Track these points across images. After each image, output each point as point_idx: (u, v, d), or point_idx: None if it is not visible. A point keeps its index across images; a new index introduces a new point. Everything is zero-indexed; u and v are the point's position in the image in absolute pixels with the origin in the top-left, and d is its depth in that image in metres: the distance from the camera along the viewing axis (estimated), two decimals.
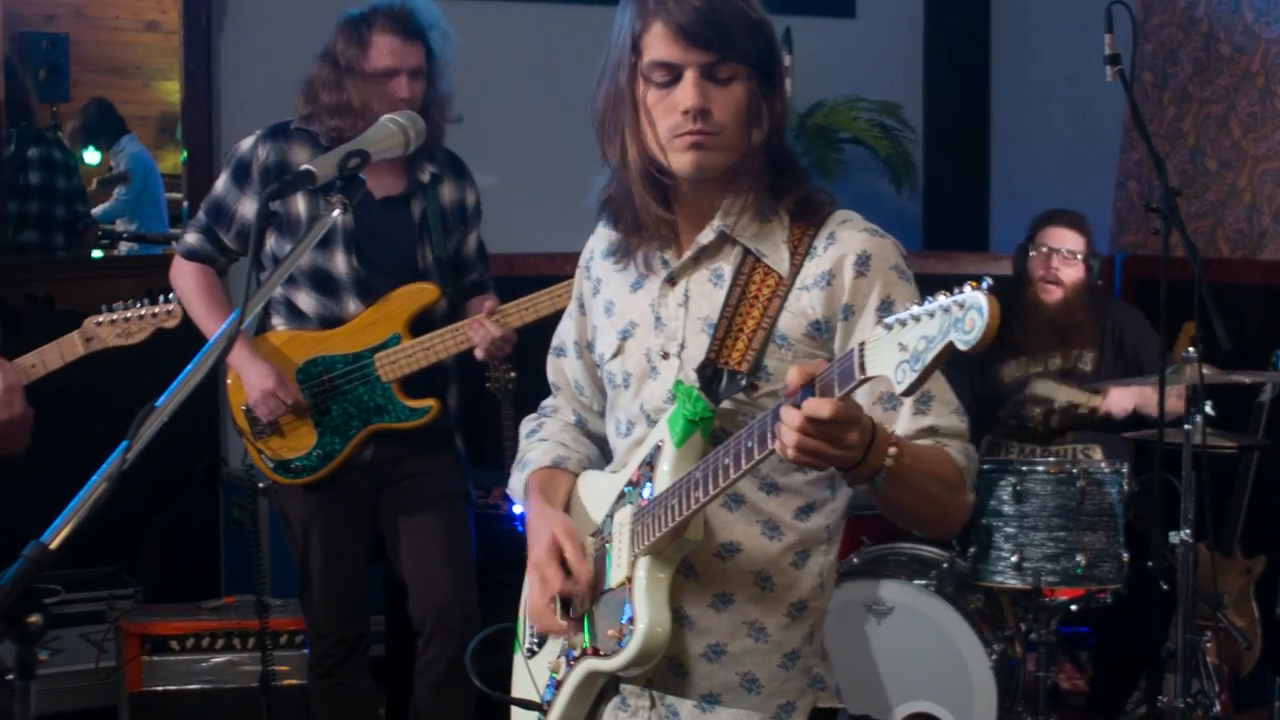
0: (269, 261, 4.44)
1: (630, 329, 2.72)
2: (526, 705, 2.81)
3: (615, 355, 2.74)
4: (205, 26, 6.42)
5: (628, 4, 2.57)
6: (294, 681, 5.13)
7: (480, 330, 4.43)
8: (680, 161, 2.54)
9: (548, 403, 3.03)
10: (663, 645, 2.53)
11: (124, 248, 7.76)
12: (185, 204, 6.75)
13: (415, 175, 4.53)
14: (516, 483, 2.91)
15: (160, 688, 5.17)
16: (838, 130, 7.11)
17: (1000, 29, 7.75)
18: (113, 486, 2.11)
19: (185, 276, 4.58)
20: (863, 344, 2.12)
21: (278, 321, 4.53)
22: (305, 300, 4.48)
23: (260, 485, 5.16)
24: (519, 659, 2.91)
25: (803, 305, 2.56)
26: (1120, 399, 5.40)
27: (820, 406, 2.17)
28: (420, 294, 4.50)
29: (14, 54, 6.69)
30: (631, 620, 2.53)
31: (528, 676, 2.85)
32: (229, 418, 4.71)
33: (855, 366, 2.13)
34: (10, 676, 1.99)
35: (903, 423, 2.54)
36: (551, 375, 3.01)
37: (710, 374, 2.57)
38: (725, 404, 2.55)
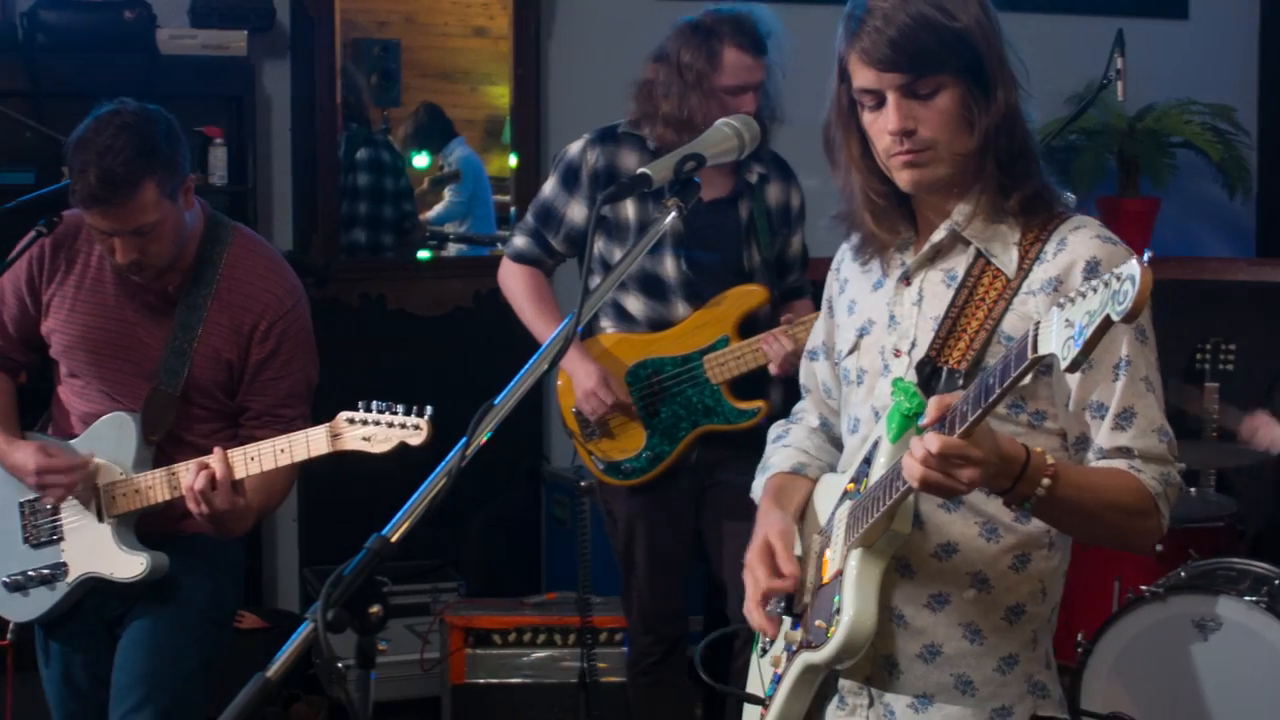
0: (597, 265, 4.48)
1: (868, 326, 2.71)
2: (753, 700, 2.82)
3: (851, 351, 2.74)
4: (534, 31, 6.52)
5: (839, 29, 2.57)
6: (613, 679, 5.17)
7: (774, 344, 4.41)
8: (900, 179, 2.56)
9: (797, 407, 3.04)
10: (868, 636, 2.50)
11: (451, 249, 7.93)
12: (513, 206, 6.86)
13: (743, 176, 4.53)
14: (757, 486, 2.93)
15: (482, 680, 5.27)
16: (1168, 134, 6.91)
17: None
18: (451, 482, 2.15)
19: (514, 278, 4.66)
20: (1037, 324, 2.11)
21: (606, 324, 4.57)
22: (634, 304, 4.52)
23: (583, 484, 5.22)
24: (754, 658, 2.91)
25: (1029, 309, 2.52)
26: None
27: (932, 441, 2.21)
28: (749, 295, 4.50)
29: (348, 60, 6.89)
30: (839, 611, 2.51)
31: (758, 673, 2.85)
32: (554, 416, 4.77)
33: (1028, 346, 2.11)
34: (343, 664, 2.03)
35: (1101, 436, 2.51)
36: (803, 378, 3.01)
37: (929, 371, 2.56)
38: None
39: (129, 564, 3.72)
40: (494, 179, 7.90)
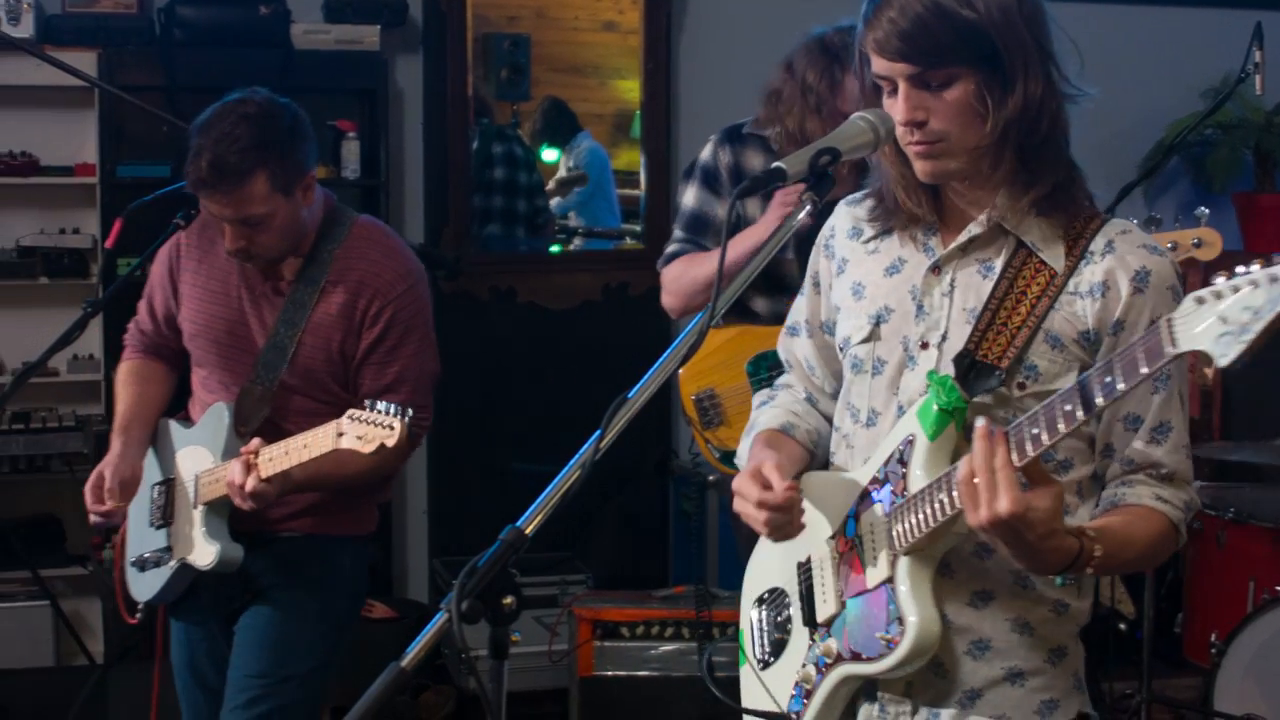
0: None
1: (885, 314, 2.64)
2: (772, 717, 2.75)
3: (866, 340, 2.66)
4: (665, 26, 6.53)
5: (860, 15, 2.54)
6: (737, 674, 5.15)
7: None
8: (917, 169, 2.54)
9: (780, 380, 2.97)
10: (935, 642, 2.47)
11: (577, 242, 7.95)
12: (643, 200, 6.87)
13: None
14: (743, 449, 2.87)
15: (609, 672, 5.29)
16: None
17: None
18: (585, 475, 2.16)
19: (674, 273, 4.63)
20: (1170, 319, 2.06)
21: (729, 317, 4.56)
22: (760, 302, 4.51)
23: (710, 479, 5.22)
24: (747, 671, 2.85)
25: (1075, 310, 2.49)
26: None
27: (1004, 502, 2.24)
28: None
29: (478, 54, 6.91)
30: (900, 621, 2.47)
31: (760, 687, 2.79)
32: (680, 410, 4.78)
33: (1163, 342, 2.07)
34: (470, 654, 2.04)
35: (1134, 448, 2.49)
36: (783, 353, 2.95)
37: (967, 365, 2.50)
38: (985, 400, 2.48)
39: (205, 552, 3.75)
40: (622, 173, 7.90)
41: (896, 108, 2.49)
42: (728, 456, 4.56)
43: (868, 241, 2.72)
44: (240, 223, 3.63)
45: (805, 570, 2.69)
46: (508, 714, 2.17)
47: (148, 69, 5.82)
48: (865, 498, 2.58)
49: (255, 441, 3.59)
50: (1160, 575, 5.49)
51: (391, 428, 3.34)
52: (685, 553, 6.20)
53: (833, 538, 2.65)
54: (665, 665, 5.26)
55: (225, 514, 3.76)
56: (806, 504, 2.67)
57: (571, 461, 2.17)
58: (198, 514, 3.78)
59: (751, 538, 4.54)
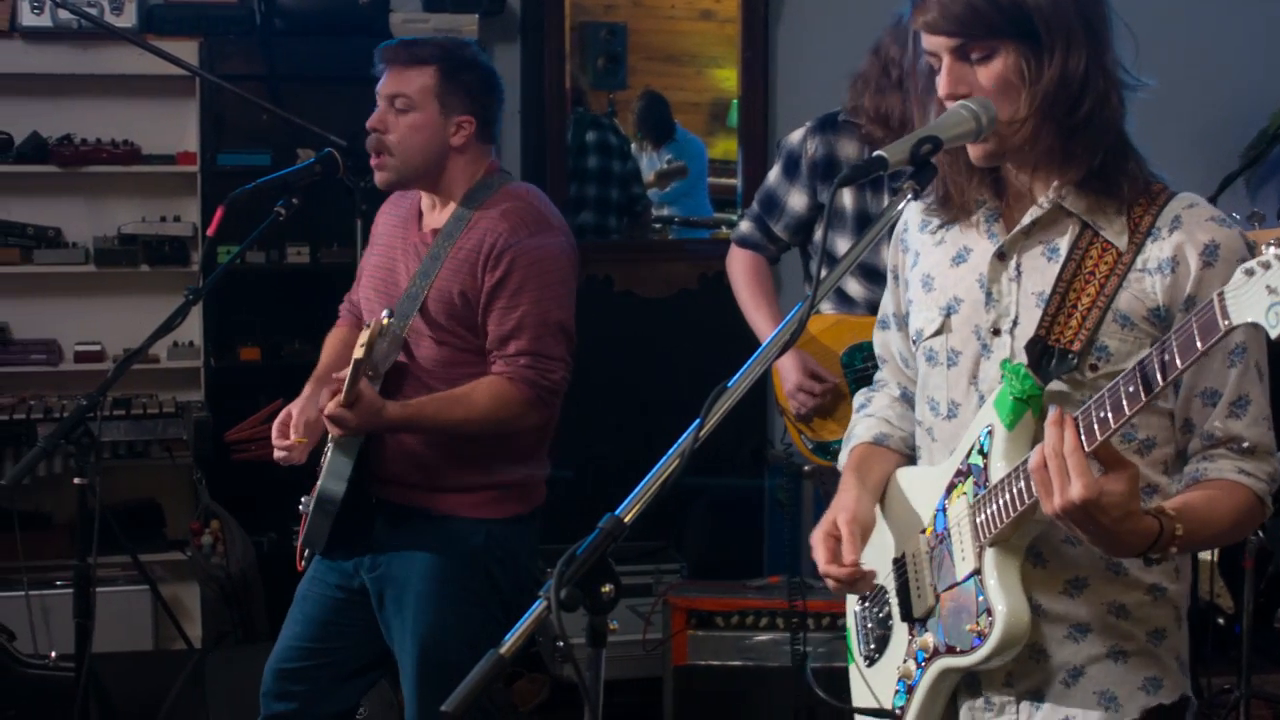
0: (815, 250, 4.47)
1: (955, 305, 2.63)
2: (877, 714, 2.74)
3: (938, 332, 2.65)
4: (763, 14, 6.51)
5: None
6: (833, 664, 5.13)
7: None
8: (970, 151, 2.51)
9: (878, 376, 2.96)
10: (1025, 633, 2.46)
11: (674, 231, 7.94)
12: (739, 189, 6.85)
13: None
14: (842, 457, 2.86)
15: (703, 662, 5.27)
16: None
17: None
18: (684, 464, 2.15)
19: (735, 262, 4.70)
20: (1221, 293, 2.04)
21: (826, 306, 4.55)
22: (855, 287, 4.50)
23: (805, 469, 5.20)
24: (855, 670, 2.83)
25: (1144, 287, 2.45)
26: None
27: (1076, 488, 2.23)
28: None
29: (575, 43, 6.93)
30: (989, 612, 2.45)
31: (864, 685, 2.78)
32: (775, 400, 4.77)
33: (1217, 316, 2.05)
34: (563, 643, 2.04)
35: (1212, 422, 2.46)
36: (878, 347, 2.94)
37: (1040, 351, 2.47)
38: (1059, 385, 2.46)
39: (319, 487, 3.85)
40: (718, 162, 7.89)
41: (940, 81, 2.49)
42: (821, 447, 4.55)
43: (935, 233, 2.71)
44: (390, 100, 3.82)
45: (901, 566, 2.68)
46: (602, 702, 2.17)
47: (248, 58, 5.87)
48: (951, 490, 2.58)
49: (344, 371, 3.64)
50: (1260, 568, 5.41)
51: (376, 323, 3.50)
52: (779, 542, 6.18)
53: (924, 532, 2.64)
54: (759, 655, 5.25)
55: (348, 452, 3.81)
56: (898, 499, 2.69)
57: (671, 450, 2.17)
58: (328, 453, 3.87)
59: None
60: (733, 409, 2.21)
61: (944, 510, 2.59)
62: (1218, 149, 6.41)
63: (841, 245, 4.42)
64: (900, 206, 2.38)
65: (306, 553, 4.02)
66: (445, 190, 3.89)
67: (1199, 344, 2.10)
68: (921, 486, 2.68)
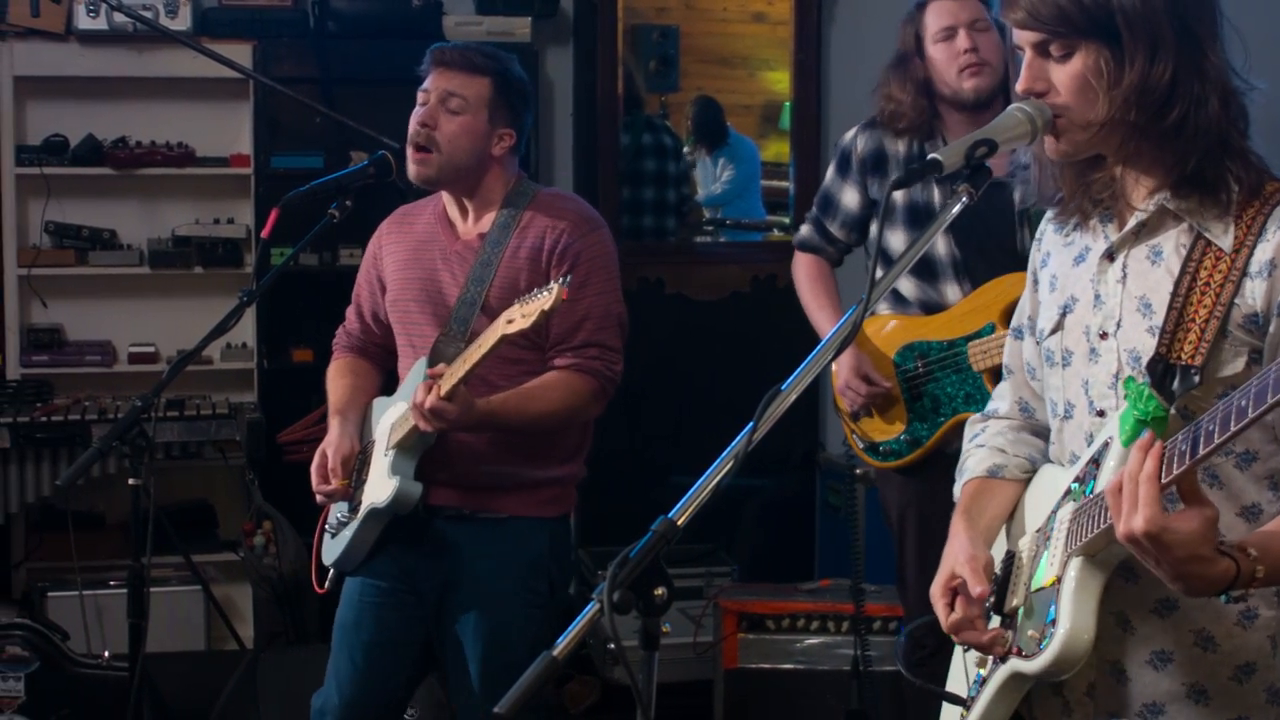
0: (871, 248, 4.46)
1: (1071, 304, 2.58)
2: (953, 700, 2.70)
3: (1055, 331, 2.61)
4: (816, 18, 6.50)
5: None
6: (886, 667, 5.13)
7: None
8: (1047, 145, 2.48)
9: (995, 394, 2.91)
10: (1084, 654, 2.38)
11: (725, 234, 7.94)
12: (791, 192, 6.84)
13: (1018, 158, 4.46)
14: (956, 490, 2.81)
15: (755, 665, 5.28)
16: None
17: None
18: (738, 467, 2.14)
19: (797, 266, 4.73)
20: None
21: (881, 306, 4.54)
22: (907, 285, 4.48)
23: (858, 471, 5.19)
24: (958, 652, 2.78)
25: (1244, 291, 2.36)
26: None
27: (1138, 521, 2.15)
28: (1017, 285, 4.40)
29: (627, 46, 6.93)
30: (1054, 622, 2.40)
31: (962, 671, 2.74)
32: (830, 402, 4.76)
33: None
34: (616, 645, 2.03)
35: None
36: (1006, 358, 2.88)
37: (1162, 370, 2.39)
38: (1183, 403, 2.36)
39: (384, 488, 3.81)
40: (770, 165, 7.89)
41: (1020, 77, 2.47)
42: (874, 448, 4.53)
43: (1066, 234, 2.66)
44: (442, 99, 3.86)
45: (1008, 561, 2.64)
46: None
47: (301, 61, 5.90)
48: (1066, 495, 2.54)
49: (440, 366, 3.68)
50: None
51: (549, 291, 3.44)
52: (830, 545, 6.17)
53: (1038, 530, 2.60)
54: (811, 659, 5.24)
55: (412, 454, 3.82)
56: (1030, 497, 2.67)
57: (724, 453, 2.16)
58: (386, 459, 3.84)
59: (899, 536, 4.54)
60: (787, 411, 2.21)
61: (1055, 513, 2.55)
62: None
63: (893, 239, 4.41)
64: (954, 210, 2.36)
65: (331, 575, 4.04)
66: (482, 196, 3.93)
67: (1188, 459, 2.07)
68: (1050, 486, 2.64)
